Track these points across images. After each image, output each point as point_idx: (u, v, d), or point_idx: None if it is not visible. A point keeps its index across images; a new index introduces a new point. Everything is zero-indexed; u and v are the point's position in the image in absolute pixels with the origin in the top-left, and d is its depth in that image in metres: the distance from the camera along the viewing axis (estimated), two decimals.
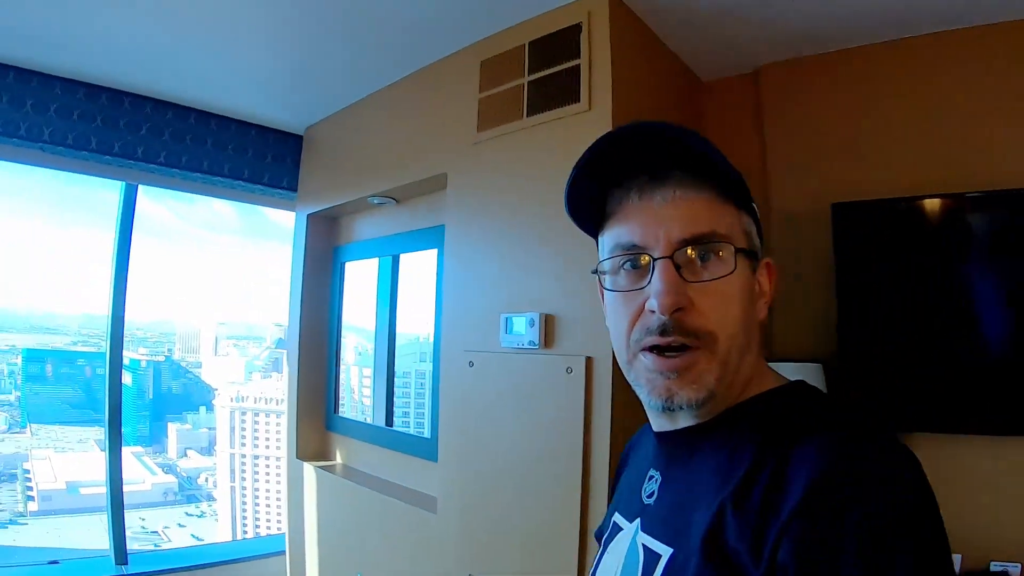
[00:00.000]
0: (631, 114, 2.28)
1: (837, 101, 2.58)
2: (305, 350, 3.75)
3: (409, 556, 2.81)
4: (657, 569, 0.81)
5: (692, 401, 0.81)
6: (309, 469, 3.53)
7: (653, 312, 0.80)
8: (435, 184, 2.92)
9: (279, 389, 10.15)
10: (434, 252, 3.02)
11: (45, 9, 2.55)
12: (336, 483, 3.36)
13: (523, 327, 2.26)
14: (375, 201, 3.30)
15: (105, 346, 3.59)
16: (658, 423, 0.93)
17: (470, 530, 2.49)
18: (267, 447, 10.26)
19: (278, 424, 10.18)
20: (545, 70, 2.41)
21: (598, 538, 1.12)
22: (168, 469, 10.31)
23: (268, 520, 10.72)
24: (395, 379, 3.53)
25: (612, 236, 0.87)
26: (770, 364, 2.27)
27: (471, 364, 2.47)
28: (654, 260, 0.81)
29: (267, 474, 10.49)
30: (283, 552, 3.74)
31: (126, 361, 4.87)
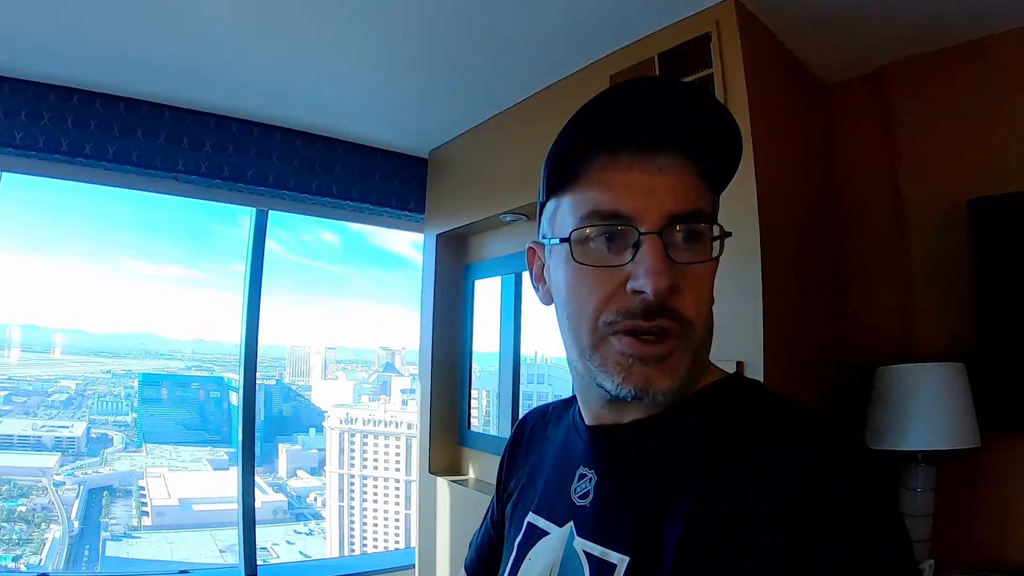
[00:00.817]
0: (766, 121, 2.28)
1: (968, 94, 2.50)
2: (437, 365, 3.84)
3: None
4: None
5: (668, 391, 0.75)
6: (442, 483, 3.61)
7: (639, 293, 0.73)
8: None
9: (387, 411, 10.36)
10: None
11: (176, 44, 2.73)
12: (470, 496, 3.42)
13: None
14: (507, 219, 3.37)
15: (239, 372, 3.73)
16: (598, 415, 0.87)
17: None
18: (375, 468, 10.46)
19: (386, 445, 10.39)
20: None
21: (490, 541, 1.12)
22: (278, 488, 10.62)
23: (375, 538, 10.92)
24: (520, 398, 3.58)
25: (585, 201, 0.78)
26: (914, 364, 2.21)
27: None
28: (641, 234, 0.74)
29: (375, 494, 10.68)
30: (412, 566, 3.82)
31: (239, 385, 5.08)
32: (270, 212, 3.73)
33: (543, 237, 0.89)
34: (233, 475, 4.12)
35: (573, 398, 0.98)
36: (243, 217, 3.78)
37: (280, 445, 10.72)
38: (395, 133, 3.74)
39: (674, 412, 0.80)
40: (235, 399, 5.01)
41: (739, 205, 2.17)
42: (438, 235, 3.86)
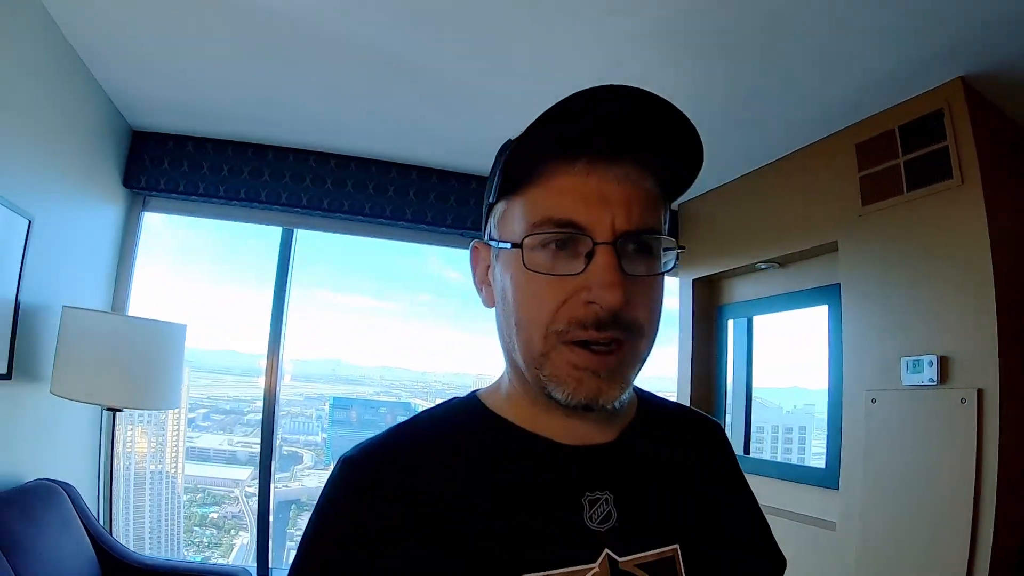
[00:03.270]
0: (998, 185, 2.66)
1: None
2: (695, 396, 4.41)
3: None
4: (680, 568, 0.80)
5: (615, 401, 0.79)
6: None
7: (592, 304, 0.75)
8: (822, 249, 3.47)
9: None
10: (821, 308, 3.61)
11: (462, 121, 3.60)
12: None
13: (922, 367, 2.74)
14: (763, 267, 3.95)
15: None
16: (563, 431, 0.85)
17: (871, 550, 2.91)
18: None
19: None
20: (917, 151, 2.86)
21: None
22: None
23: None
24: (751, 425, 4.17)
25: (538, 207, 0.79)
26: None
27: (873, 401, 2.97)
28: (595, 244, 0.75)
29: None
30: None
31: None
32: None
33: (489, 239, 0.90)
34: None
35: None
36: (430, 256, 4.70)
37: None
38: None
39: (649, 418, 0.95)
40: None
41: (971, 252, 2.62)
42: (694, 280, 4.51)
